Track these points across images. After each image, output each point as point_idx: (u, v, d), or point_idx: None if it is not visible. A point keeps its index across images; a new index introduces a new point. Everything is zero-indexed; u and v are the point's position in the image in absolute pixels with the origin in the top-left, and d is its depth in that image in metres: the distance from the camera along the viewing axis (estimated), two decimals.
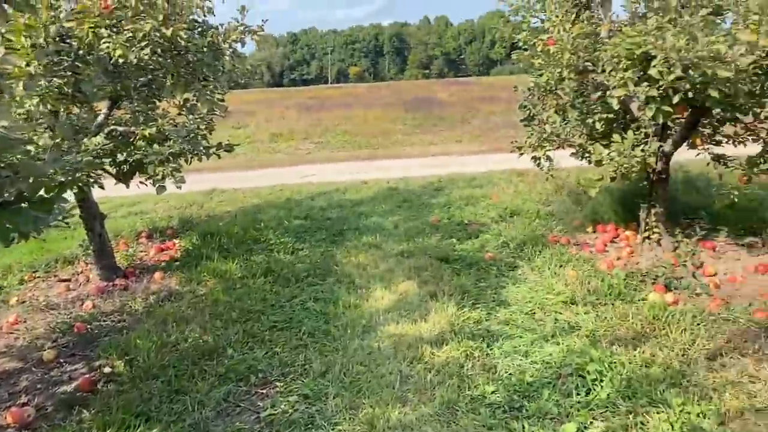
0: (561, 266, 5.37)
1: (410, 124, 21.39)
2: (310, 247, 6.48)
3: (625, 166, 5.03)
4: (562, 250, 5.86)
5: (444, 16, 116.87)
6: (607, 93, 4.90)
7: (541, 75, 5.80)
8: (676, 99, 4.25)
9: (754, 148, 5.47)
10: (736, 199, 5.34)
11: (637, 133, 5.32)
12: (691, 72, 3.94)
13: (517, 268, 5.49)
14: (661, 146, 5.48)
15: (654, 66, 4.12)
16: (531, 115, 6.55)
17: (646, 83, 4.41)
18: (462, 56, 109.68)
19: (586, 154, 5.94)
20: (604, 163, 5.29)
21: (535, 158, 6.54)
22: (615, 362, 3.59)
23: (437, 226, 7.18)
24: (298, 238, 6.82)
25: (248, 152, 16.31)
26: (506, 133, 18.27)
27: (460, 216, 7.63)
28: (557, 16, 5.75)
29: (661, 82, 4.32)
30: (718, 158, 6.39)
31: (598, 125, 5.56)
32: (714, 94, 4.05)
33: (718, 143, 6.18)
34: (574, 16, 5.68)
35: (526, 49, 6.04)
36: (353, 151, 16.06)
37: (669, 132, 5.75)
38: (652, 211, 5.89)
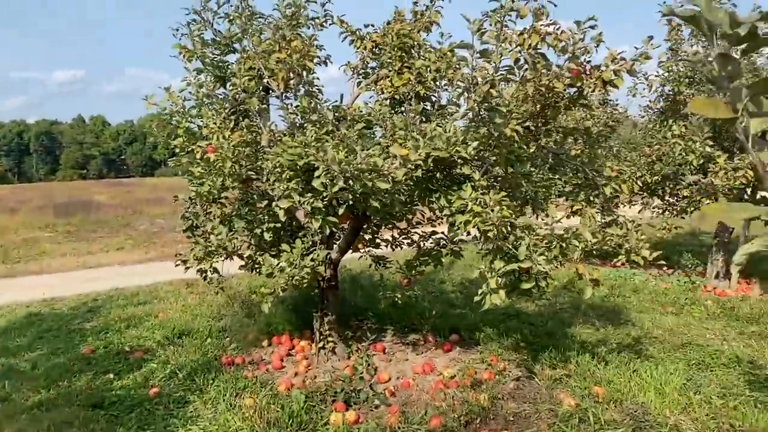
0: (237, 395, 4.82)
1: (62, 230, 18.99)
2: None
3: (296, 277, 4.81)
4: (238, 373, 5.32)
5: (100, 116, 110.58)
6: (273, 203, 4.67)
7: (202, 184, 5.36)
8: (341, 210, 4.20)
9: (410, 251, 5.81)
10: (399, 301, 5.54)
11: (305, 241, 5.19)
12: (351, 183, 3.91)
13: (188, 404, 4.75)
14: (328, 254, 5.44)
15: (317, 177, 4.00)
16: (194, 225, 6.02)
17: (310, 194, 4.29)
18: (123, 156, 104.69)
19: (256, 266, 5.62)
20: (275, 274, 5.01)
21: (201, 272, 5.98)
22: None
23: (90, 358, 6.02)
24: None
25: None
26: (174, 237, 17.36)
27: (119, 342, 6.56)
28: (215, 123, 5.45)
29: (325, 194, 4.23)
30: (378, 260, 6.68)
31: (266, 235, 5.30)
32: (375, 204, 4.09)
33: (377, 246, 6.48)
34: (233, 123, 5.44)
35: (184, 155, 5.59)
36: None
37: (334, 239, 5.79)
38: (325, 319, 5.78)
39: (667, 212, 8.95)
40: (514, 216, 3.77)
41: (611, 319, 6.60)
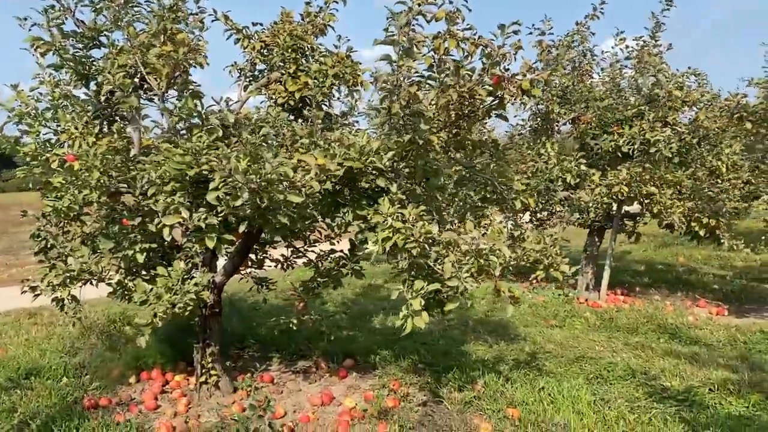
0: None
1: None
2: None
3: (179, 305, 4.19)
4: (107, 418, 4.54)
5: None
6: (156, 220, 4.04)
7: (60, 197, 4.57)
8: (242, 227, 3.67)
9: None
10: (294, 327, 5.04)
11: (184, 263, 4.58)
12: (256, 196, 3.42)
13: None
14: (212, 277, 4.85)
15: (217, 189, 3.46)
16: (49, 245, 5.14)
17: (203, 209, 3.72)
18: None
19: (127, 293, 4.88)
20: (150, 302, 4.34)
21: (57, 300, 5.09)
22: None
23: None
24: None
25: None
26: (6, 260, 15.39)
27: None
28: (76, 128, 4.69)
29: (220, 209, 3.70)
30: (261, 282, 6.16)
31: (138, 257, 4.59)
32: (283, 220, 3.63)
33: (261, 266, 5.98)
34: (98, 128, 4.71)
35: (37, 164, 4.75)
36: None
37: (216, 260, 5.20)
38: (207, 350, 5.15)
39: (540, 227, 9.22)
40: (438, 231, 3.49)
41: (501, 335, 6.55)
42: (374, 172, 3.75)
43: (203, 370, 5.14)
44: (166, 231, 3.81)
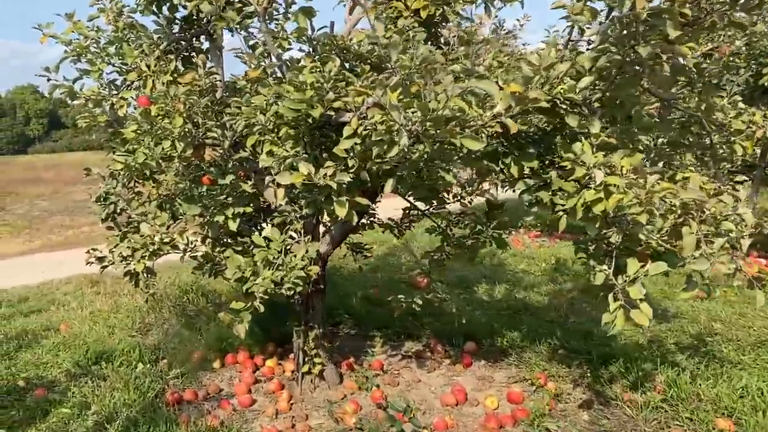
0: None
1: None
2: None
3: (287, 285, 3.27)
4: (200, 425, 3.70)
5: None
6: (268, 178, 3.10)
7: (133, 151, 3.65)
8: (388, 187, 2.68)
9: None
10: (417, 308, 4.06)
11: (284, 231, 3.63)
12: (417, 142, 2.41)
13: None
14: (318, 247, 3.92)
15: (354, 134, 2.47)
16: (117, 210, 4.28)
17: (329, 162, 2.73)
18: None
19: (216, 267, 4.00)
20: (247, 279, 3.43)
21: (130, 274, 4.22)
22: None
23: None
24: None
25: None
26: (61, 221, 14.96)
27: (9, 373, 4.72)
28: (147, 65, 3.75)
29: (352, 162, 2.72)
30: (356, 248, 5.26)
31: (231, 224, 3.66)
32: (448, 177, 2.63)
33: (357, 231, 5.04)
34: (173, 64, 3.76)
35: (99, 113, 3.85)
36: None
37: (319, 226, 4.26)
38: (310, 333, 4.25)
39: None
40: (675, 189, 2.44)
41: None
42: (563, 106, 2.69)
43: (306, 358, 4.26)
44: (280, 193, 2.85)
